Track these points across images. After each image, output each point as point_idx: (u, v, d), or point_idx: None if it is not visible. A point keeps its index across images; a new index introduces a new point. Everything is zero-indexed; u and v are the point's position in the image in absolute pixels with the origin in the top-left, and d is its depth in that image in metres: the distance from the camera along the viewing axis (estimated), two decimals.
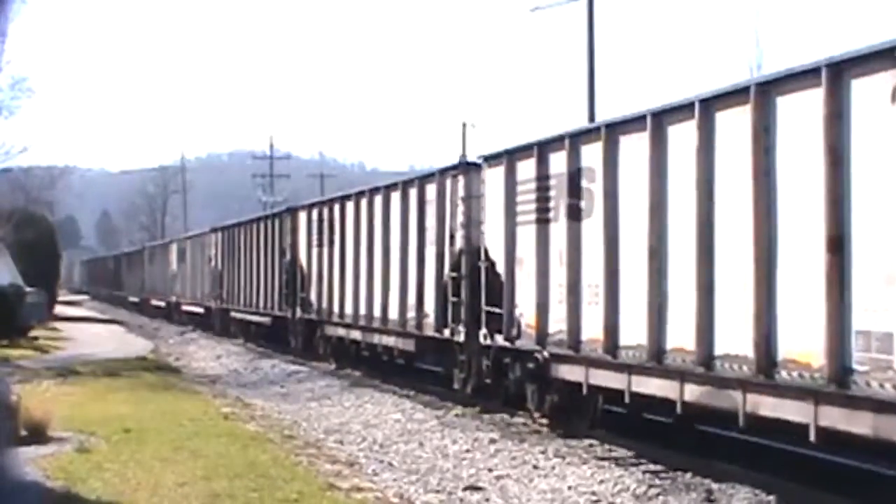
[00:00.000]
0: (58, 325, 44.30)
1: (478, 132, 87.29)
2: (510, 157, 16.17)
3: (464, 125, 55.03)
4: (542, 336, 15.15)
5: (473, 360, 17.84)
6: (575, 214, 14.23)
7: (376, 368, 23.56)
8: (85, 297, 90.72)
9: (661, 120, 12.42)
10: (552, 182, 14.91)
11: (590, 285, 13.92)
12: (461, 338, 18.22)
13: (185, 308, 46.74)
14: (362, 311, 23.57)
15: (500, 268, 16.45)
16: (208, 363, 30.17)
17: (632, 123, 13.06)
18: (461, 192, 18.62)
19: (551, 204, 14.93)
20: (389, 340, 22.22)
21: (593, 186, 13.83)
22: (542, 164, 15.11)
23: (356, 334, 24.25)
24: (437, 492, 11.64)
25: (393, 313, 21.65)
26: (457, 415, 17.38)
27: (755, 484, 11.21)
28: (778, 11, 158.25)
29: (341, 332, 25.50)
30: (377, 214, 22.87)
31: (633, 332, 12.84)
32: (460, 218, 18.61)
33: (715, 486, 11.45)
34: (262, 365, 27.93)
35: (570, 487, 11.69)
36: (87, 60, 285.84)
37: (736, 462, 12.12)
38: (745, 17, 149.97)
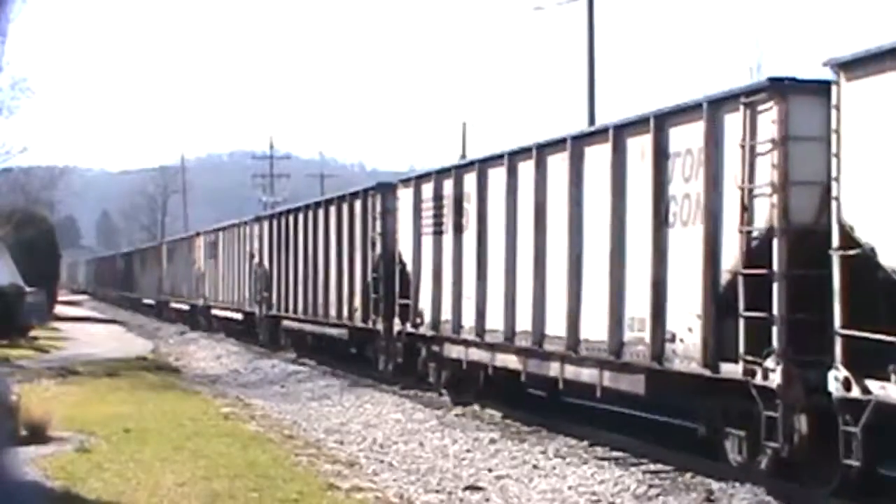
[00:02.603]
0: (58, 325, 44.34)
1: (478, 132, 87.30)
2: (417, 181, 19.78)
3: (464, 125, 55.30)
4: (436, 323, 18.56)
5: (390, 345, 21.18)
6: (458, 228, 17.72)
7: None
8: (85, 297, 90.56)
9: (514, 159, 15.91)
10: (445, 202, 18.32)
11: (467, 284, 17.36)
12: (380, 326, 21.57)
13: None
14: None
15: (410, 269, 19.88)
16: (208, 363, 30.20)
17: (495, 160, 16.62)
18: (379, 208, 22.08)
19: (444, 220, 18.34)
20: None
21: (470, 207, 17.33)
22: (438, 187, 18.57)
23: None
24: (437, 492, 11.64)
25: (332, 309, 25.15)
26: (457, 415, 17.39)
27: (755, 484, 11.22)
28: (778, 11, 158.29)
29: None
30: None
31: (495, 320, 16.29)
32: (378, 229, 22.07)
33: (715, 486, 11.46)
34: (262, 365, 27.95)
35: (570, 487, 11.70)
36: (87, 60, 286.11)
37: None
38: (746, 18, 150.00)
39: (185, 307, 46.84)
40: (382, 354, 21.93)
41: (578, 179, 14.19)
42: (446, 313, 18.17)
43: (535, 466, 12.87)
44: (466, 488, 11.79)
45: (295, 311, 28.78)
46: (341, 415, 18.15)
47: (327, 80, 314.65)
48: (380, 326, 21.71)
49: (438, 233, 18.59)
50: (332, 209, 25.46)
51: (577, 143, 14.32)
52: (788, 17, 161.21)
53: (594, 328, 13.62)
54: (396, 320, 20.54)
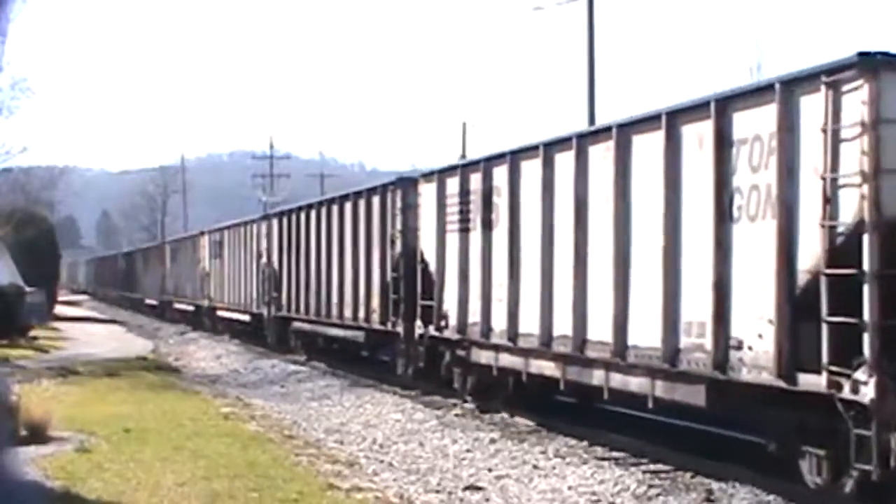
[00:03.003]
0: (58, 324, 44.34)
1: (478, 132, 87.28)
2: (441, 175, 18.67)
3: (464, 125, 55.25)
4: (462, 327, 17.56)
5: (411, 349, 20.12)
6: (487, 225, 16.70)
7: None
8: (85, 297, 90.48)
9: (550, 150, 14.89)
10: (472, 197, 17.27)
11: (498, 284, 16.30)
12: (400, 329, 20.53)
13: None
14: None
15: (433, 268, 18.84)
16: (208, 363, 30.19)
17: (529, 151, 15.53)
18: (399, 204, 21.00)
19: (471, 215, 17.30)
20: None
21: (500, 202, 16.29)
22: (465, 181, 17.52)
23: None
24: (437, 492, 11.64)
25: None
26: (457, 415, 17.38)
27: (755, 484, 11.22)
28: (778, 11, 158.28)
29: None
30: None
31: (530, 323, 15.29)
32: (399, 226, 20.96)
33: (715, 485, 11.45)
34: (262, 365, 27.93)
35: (570, 487, 11.70)
36: (87, 60, 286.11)
37: (736, 462, 12.12)
38: (746, 18, 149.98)
39: (190, 308, 45.77)
40: (402, 358, 20.85)
41: (625, 171, 13.05)
42: (474, 316, 17.14)
43: (535, 466, 12.87)
44: (466, 488, 11.78)
45: (306, 312, 27.78)
46: (341, 415, 18.14)
47: (327, 80, 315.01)
48: (399, 329, 20.68)
49: (465, 230, 17.48)
50: (348, 205, 24.40)
51: (624, 132, 13.12)
52: (788, 17, 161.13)
53: (644, 333, 12.56)
54: (418, 323, 19.52)
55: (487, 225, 16.67)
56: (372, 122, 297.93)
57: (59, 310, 53.61)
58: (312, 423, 17.25)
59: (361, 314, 23.12)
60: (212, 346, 35.34)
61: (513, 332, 15.78)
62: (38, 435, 13.50)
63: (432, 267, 18.87)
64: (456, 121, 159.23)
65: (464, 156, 41.95)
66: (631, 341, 12.87)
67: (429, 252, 19.07)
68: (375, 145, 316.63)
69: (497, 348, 16.48)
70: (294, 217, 29.37)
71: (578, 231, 14.04)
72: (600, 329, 13.50)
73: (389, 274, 21.34)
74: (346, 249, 24.30)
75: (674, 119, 12.22)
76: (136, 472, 11.61)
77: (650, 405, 12.86)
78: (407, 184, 20.84)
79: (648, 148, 12.65)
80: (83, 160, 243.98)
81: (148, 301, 59.04)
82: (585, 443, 14.23)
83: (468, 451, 14.12)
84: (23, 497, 10.32)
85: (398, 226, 21.05)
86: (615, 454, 13.51)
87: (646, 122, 12.86)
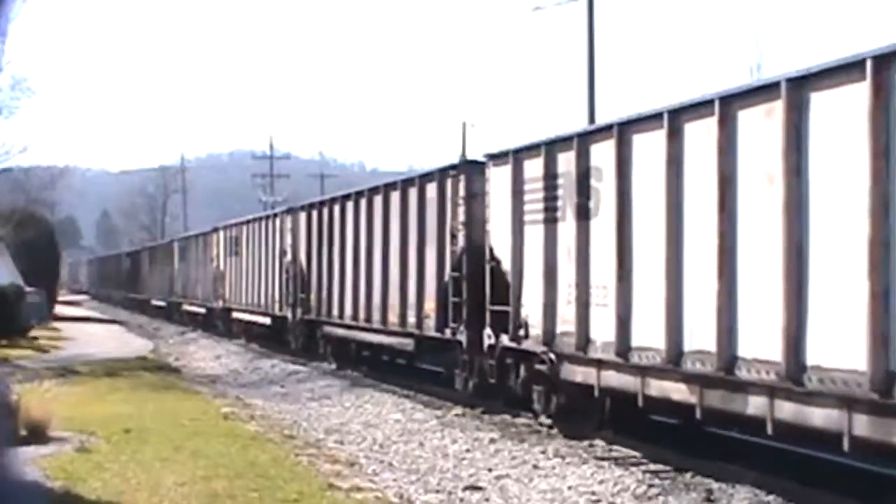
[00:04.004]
0: (58, 324, 44.33)
1: (478, 132, 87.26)
2: (517, 156, 15.84)
3: (464, 125, 55.25)
4: (549, 337, 14.86)
5: (476, 361, 17.50)
6: (583, 214, 13.97)
7: None
8: (86, 297, 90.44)
9: (678, 119, 12.13)
10: (560, 181, 14.58)
11: (600, 285, 13.59)
12: (463, 338, 17.85)
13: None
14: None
15: (506, 267, 16.14)
16: (208, 363, 30.17)
17: (645, 122, 12.78)
18: (462, 192, 18.28)
19: (559, 203, 14.59)
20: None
21: (602, 186, 13.57)
22: (550, 163, 14.81)
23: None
24: (437, 492, 11.64)
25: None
26: (457, 415, 17.37)
27: (755, 484, 11.21)
28: (778, 11, 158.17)
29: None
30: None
31: (648, 334, 12.48)
32: (462, 217, 18.21)
33: (715, 485, 11.45)
34: (262, 365, 27.93)
35: (570, 487, 11.69)
36: (87, 60, 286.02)
37: (736, 461, 12.12)
38: (746, 18, 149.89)
39: (200, 310, 43.20)
40: (463, 371, 18.03)
41: (798, 139, 10.24)
42: (565, 324, 14.38)
43: (535, 466, 12.86)
44: (466, 488, 11.78)
45: (340, 316, 24.74)
46: (341, 415, 18.14)
47: (327, 80, 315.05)
48: (461, 337, 17.92)
49: (551, 220, 14.76)
50: (395, 195, 21.41)
51: (796, 90, 10.29)
52: (788, 17, 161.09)
53: (832, 350, 9.82)
54: (488, 331, 16.74)
55: (583, 214, 13.96)
56: (372, 122, 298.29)
57: (59, 310, 53.61)
58: (312, 423, 17.24)
59: (411, 319, 20.36)
60: (212, 346, 35.34)
61: (623, 346, 13.01)
62: (37, 435, 13.49)
63: (506, 265, 16.18)
64: (456, 121, 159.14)
65: (464, 155, 41.19)
66: (810, 360, 10.09)
67: (501, 248, 16.34)
68: (375, 145, 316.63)
69: (600, 364, 13.68)
70: (326, 210, 26.33)
71: (723, 218, 11.25)
72: (760, 343, 10.75)
73: (448, 274, 18.55)
74: (392, 246, 21.52)
75: (884, 65, 9.40)
76: (136, 472, 11.60)
77: (846, 447, 9.86)
78: (472, 168, 18.15)
79: (840, 108, 9.87)
80: (83, 160, 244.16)
81: (154, 302, 57.25)
82: (585, 443, 14.21)
83: (468, 451, 14.11)
84: (23, 497, 10.32)
85: (460, 217, 18.25)
86: (615, 454, 13.50)
87: (837, 74, 9.90)
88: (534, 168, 15.28)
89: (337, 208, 25.46)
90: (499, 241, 16.42)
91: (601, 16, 39.52)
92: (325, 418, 17.73)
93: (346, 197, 24.97)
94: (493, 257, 16.63)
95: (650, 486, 11.51)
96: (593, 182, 13.79)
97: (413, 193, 20.60)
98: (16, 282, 38.38)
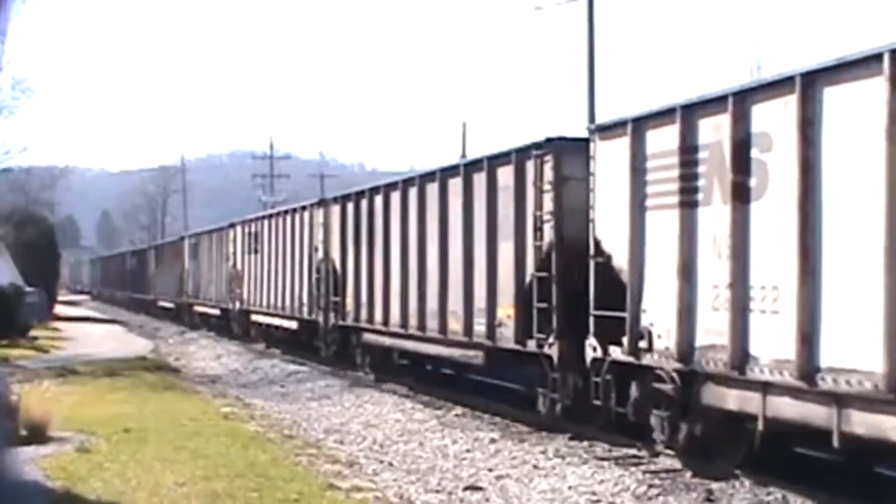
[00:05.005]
0: (58, 324, 44.35)
1: (478, 132, 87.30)
2: (636, 125, 12.94)
3: (464, 125, 55.26)
4: (685, 351, 11.93)
5: (569, 378, 14.82)
6: (740, 195, 11.05)
7: None
8: (87, 297, 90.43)
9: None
10: (702, 155, 11.72)
11: (767, 285, 10.70)
12: (553, 350, 15.01)
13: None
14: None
15: (619, 263, 13.36)
16: (208, 363, 30.18)
17: (842, 71, 9.83)
18: (549, 175, 15.25)
19: (700, 183, 11.77)
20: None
21: (769, 158, 10.71)
22: (688, 132, 11.91)
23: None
24: (437, 492, 11.64)
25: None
26: (457, 415, 17.37)
27: (755, 484, 11.22)
28: (778, 11, 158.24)
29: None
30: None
31: (846, 350, 9.63)
32: (549, 206, 15.24)
33: (715, 486, 11.45)
34: (262, 365, 27.93)
35: (570, 487, 11.69)
36: (87, 60, 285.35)
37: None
38: (746, 18, 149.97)
39: (214, 311, 40.39)
40: (550, 390, 15.20)
41: None
42: (709, 335, 11.46)
43: (535, 466, 12.86)
44: (466, 488, 11.78)
45: (384, 322, 21.51)
46: (341, 415, 18.14)
47: (327, 80, 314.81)
48: (552, 351, 14.91)
49: (689, 204, 11.85)
50: (454, 182, 18.30)
51: None
52: (788, 16, 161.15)
53: None
54: (592, 342, 13.84)
55: (740, 195, 11.02)
56: (372, 122, 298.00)
57: (60, 310, 53.62)
58: (312, 423, 17.25)
59: (479, 328, 17.17)
60: (212, 346, 35.34)
61: (808, 366, 9.99)
62: (37, 435, 13.50)
63: (619, 262, 13.33)
64: (456, 121, 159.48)
65: (464, 155, 40.67)
66: None
67: (612, 240, 13.50)
68: (375, 145, 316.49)
69: (766, 388, 10.74)
70: (365, 201, 22.95)
71: None
72: None
73: (531, 274, 15.51)
74: (453, 241, 18.25)
75: None
76: (136, 472, 11.61)
77: None
78: (562, 146, 15.17)
79: None
80: (83, 160, 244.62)
81: (162, 303, 53.92)
82: (585, 443, 14.21)
83: (468, 451, 14.12)
84: (23, 497, 10.32)
85: (548, 206, 15.18)
86: (615, 454, 13.51)
87: None
88: (662, 139, 12.38)
89: (379, 199, 22.04)
90: (609, 232, 13.58)
91: (601, 16, 39.56)
92: (325, 418, 17.74)
93: (390, 186, 21.53)
94: (599, 252, 13.78)
95: (650, 486, 11.51)
96: (756, 153, 10.88)
97: (479, 179, 17.33)
98: (16, 282, 38.39)
